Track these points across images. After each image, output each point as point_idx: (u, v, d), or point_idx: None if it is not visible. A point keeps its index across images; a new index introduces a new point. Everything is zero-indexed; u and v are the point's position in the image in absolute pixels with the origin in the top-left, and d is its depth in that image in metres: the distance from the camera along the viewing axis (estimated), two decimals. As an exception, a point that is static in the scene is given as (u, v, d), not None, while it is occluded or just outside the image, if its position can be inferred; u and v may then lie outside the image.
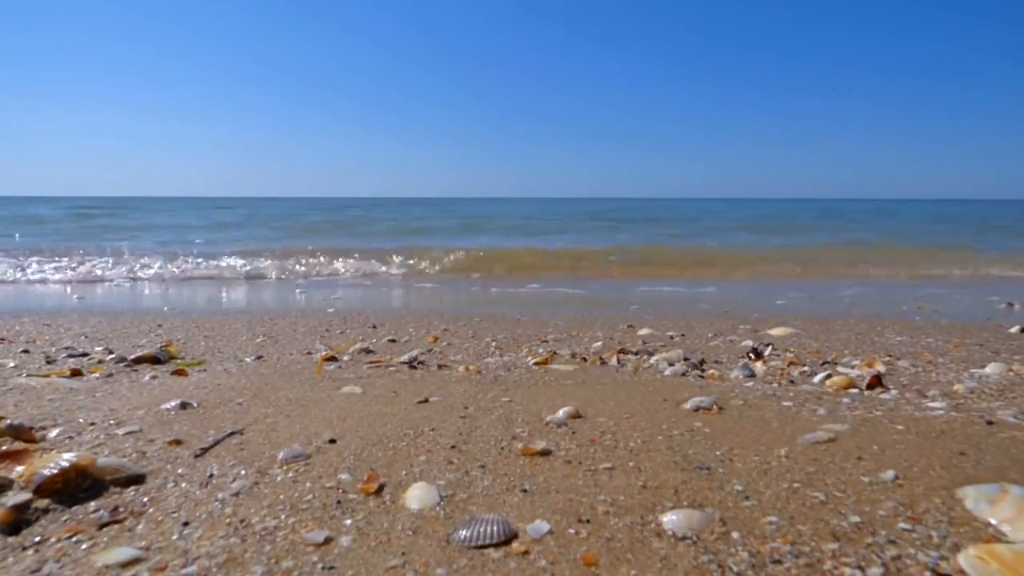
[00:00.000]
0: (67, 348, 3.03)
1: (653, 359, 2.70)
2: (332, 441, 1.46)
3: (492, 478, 1.25)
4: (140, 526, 1.06)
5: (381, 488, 1.20)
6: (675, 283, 6.89)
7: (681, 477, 1.25)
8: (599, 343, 3.22)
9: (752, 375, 2.38)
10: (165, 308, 4.90)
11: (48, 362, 2.67)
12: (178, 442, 1.44)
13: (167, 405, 1.76)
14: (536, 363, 2.65)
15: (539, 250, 11.30)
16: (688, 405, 1.78)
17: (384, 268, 8.57)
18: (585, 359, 2.78)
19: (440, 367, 2.58)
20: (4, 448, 1.31)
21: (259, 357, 2.83)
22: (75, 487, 1.16)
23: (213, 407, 1.78)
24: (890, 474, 1.23)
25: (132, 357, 2.66)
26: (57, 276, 7.45)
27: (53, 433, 1.51)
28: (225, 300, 5.65)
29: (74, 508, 1.11)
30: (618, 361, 2.71)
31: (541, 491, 1.19)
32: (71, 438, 1.48)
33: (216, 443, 1.45)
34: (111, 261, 8.59)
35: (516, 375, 2.38)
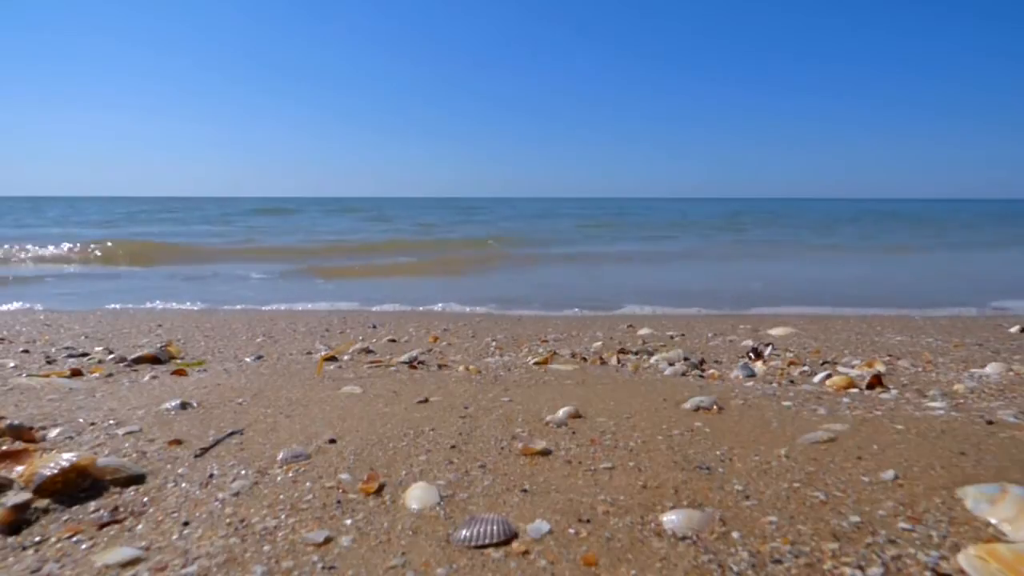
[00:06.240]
0: (67, 348, 3.03)
1: (653, 359, 2.70)
2: (332, 441, 1.46)
3: (492, 478, 1.25)
4: (140, 526, 1.06)
5: (381, 488, 1.20)
6: None
7: (681, 477, 1.25)
8: (599, 343, 3.22)
9: (752, 375, 2.38)
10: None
11: (48, 362, 2.67)
12: (178, 442, 1.44)
13: (167, 405, 1.76)
14: (536, 363, 2.65)
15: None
16: (688, 405, 1.78)
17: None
18: (585, 359, 2.78)
19: (440, 367, 2.58)
20: (4, 448, 1.31)
21: (259, 357, 2.84)
22: (75, 487, 1.16)
23: (213, 407, 1.78)
24: (890, 474, 1.23)
25: (132, 357, 2.66)
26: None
27: (53, 433, 1.51)
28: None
29: (74, 508, 1.11)
30: (618, 361, 2.71)
31: (541, 491, 1.19)
32: (71, 438, 1.48)
33: (216, 443, 1.44)
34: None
35: (516, 375, 2.38)
